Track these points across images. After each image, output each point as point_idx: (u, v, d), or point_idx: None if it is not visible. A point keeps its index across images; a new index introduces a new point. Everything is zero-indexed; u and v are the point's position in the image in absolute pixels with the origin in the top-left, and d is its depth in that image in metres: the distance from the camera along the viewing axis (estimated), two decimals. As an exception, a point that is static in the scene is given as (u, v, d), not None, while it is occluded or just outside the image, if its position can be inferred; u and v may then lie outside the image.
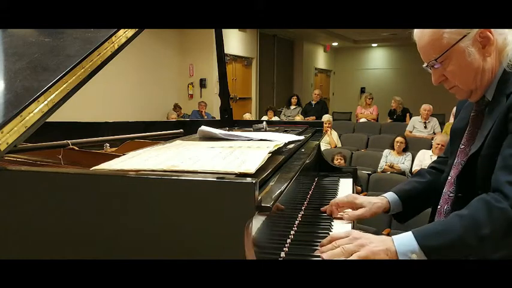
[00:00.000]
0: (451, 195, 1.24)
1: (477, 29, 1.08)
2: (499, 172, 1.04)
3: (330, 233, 1.23)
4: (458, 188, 1.20)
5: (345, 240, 1.08)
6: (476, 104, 1.22)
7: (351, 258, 1.03)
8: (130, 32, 1.20)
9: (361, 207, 1.36)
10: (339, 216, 1.38)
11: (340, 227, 1.28)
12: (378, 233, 3.02)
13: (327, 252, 1.07)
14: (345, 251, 1.06)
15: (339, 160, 4.91)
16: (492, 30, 1.08)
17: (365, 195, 3.90)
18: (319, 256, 1.09)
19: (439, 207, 1.26)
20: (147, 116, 7.00)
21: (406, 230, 1.07)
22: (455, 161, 1.26)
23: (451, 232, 1.02)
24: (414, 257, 1.03)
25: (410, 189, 1.41)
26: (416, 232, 1.05)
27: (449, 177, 1.26)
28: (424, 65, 1.18)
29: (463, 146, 1.24)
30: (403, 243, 1.04)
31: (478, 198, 1.05)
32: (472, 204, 1.04)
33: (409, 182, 1.48)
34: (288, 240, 1.17)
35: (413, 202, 1.39)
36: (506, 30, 1.10)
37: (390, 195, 1.39)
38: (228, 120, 2.29)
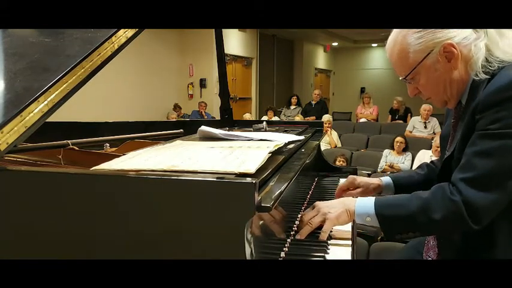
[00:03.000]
0: None
1: (441, 45, 1.11)
2: (458, 169, 1.10)
3: (330, 233, 1.24)
4: None
5: (310, 215, 1.22)
6: (455, 110, 1.25)
7: (322, 233, 1.17)
8: (130, 32, 1.20)
9: (358, 188, 1.47)
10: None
11: (339, 227, 1.28)
12: (377, 233, 3.02)
13: (300, 232, 1.20)
14: (312, 225, 1.19)
15: (341, 162, 4.90)
16: (455, 43, 1.10)
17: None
18: (319, 256, 1.09)
19: None
20: (147, 116, 6.99)
21: None
22: None
23: (406, 208, 1.11)
24: (368, 219, 1.15)
25: (406, 177, 1.51)
26: (377, 200, 1.16)
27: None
28: (401, 78, 1.22)
29: (448, 152, 1.26)
30: (363, 205, 1.16)
31: (438, 185, 1.12)
32: (431, 190, 1.12)
33: (408, 171, 1.56)
34: (288, 240, 1.17)
35: (405, 189, 1.44)
36: (471, 40, 1.10)
37: (385, 179, 1.49)
38: (228, 120, 2.29)
